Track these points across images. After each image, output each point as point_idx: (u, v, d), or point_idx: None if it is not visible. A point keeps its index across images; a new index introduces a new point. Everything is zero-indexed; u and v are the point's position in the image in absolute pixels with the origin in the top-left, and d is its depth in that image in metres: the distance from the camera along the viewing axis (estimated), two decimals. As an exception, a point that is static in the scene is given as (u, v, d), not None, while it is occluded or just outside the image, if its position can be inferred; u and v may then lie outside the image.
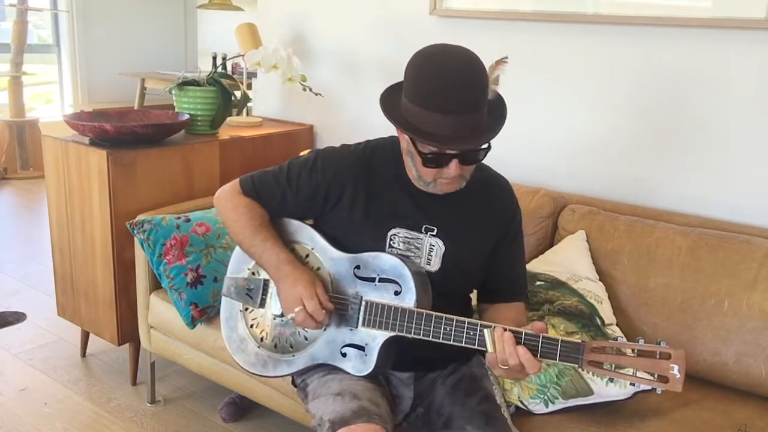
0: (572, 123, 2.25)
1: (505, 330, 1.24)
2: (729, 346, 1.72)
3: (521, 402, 1.60)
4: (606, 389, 1.58)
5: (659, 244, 1.86)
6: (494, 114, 1.33)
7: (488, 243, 1.48)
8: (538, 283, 1.81)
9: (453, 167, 1.31)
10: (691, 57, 2.00)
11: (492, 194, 1.50)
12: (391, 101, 1.37)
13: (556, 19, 2.22)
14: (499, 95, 1.36)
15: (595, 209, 2.03)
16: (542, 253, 2.01)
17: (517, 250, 1.54)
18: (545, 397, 1.59)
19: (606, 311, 1.79)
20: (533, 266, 1.91)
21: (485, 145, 1.32)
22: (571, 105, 2.24)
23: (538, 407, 1.59)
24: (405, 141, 1.38)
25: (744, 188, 1.97)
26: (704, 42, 1.97)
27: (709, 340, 1.74)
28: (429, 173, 1.35)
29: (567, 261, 1.91)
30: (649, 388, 1.53)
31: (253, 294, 1.54)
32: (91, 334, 2.58)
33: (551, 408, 1.59)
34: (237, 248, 1.58)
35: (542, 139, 2.32)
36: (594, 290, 1.82)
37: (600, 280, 1.89)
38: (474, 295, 1.61)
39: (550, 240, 2.08)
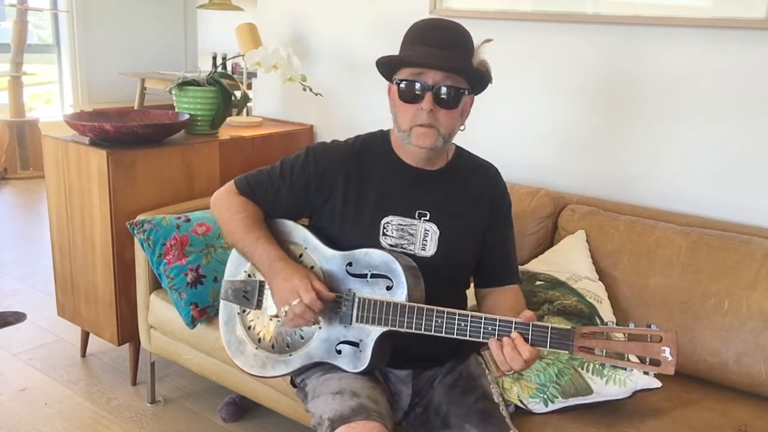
0: (572, 123, 2.25)
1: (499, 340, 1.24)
2: (729, 346, 1.72)
3: (521, 401, 1.60)
4: (606, 388, 1.58)
5: (659, 244, 1.86)
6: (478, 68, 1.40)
7: (481, 222, 1.52)
8: (538, 282, 1.81)
9: (426, 100, 1.35)
10: (691, 57, 2.00)
11: (481, 175, 1.56)
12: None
13: (556, 19, 2.22)
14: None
15: (595, 209, 2.03)
16: (542, 253, 2.01)
17: (508, 233, 1.57)
18: (545, 396, 1.59)
19: (606, 311, 1.79)
20: (533, 266, 1.91)
21: (461, 85, 1.37)
22: (571, 105, 2.24)
23: (537, 406, 1.59)
24: (393, 93, 1.44)
25: (744, 188, 1.97)
26: (704, 42, 1.97)
27: (709, 340, 1.74)
28: (406, 118, 1.40)
29: (567, 261, 1.91)
30: (648, 385, 1.53)
31: (249, 296, 1.54)
32: (91, 334, 2.58)
33: (551, 407, 1.59)
34: (233, 251, 1.58)
35: (542, 140, 2.32)
36: (594, 290, 1.82)
37: (600, 279, 1.89)
38: (469, 291, 1.62)
39: (550, 240, 2.08)
